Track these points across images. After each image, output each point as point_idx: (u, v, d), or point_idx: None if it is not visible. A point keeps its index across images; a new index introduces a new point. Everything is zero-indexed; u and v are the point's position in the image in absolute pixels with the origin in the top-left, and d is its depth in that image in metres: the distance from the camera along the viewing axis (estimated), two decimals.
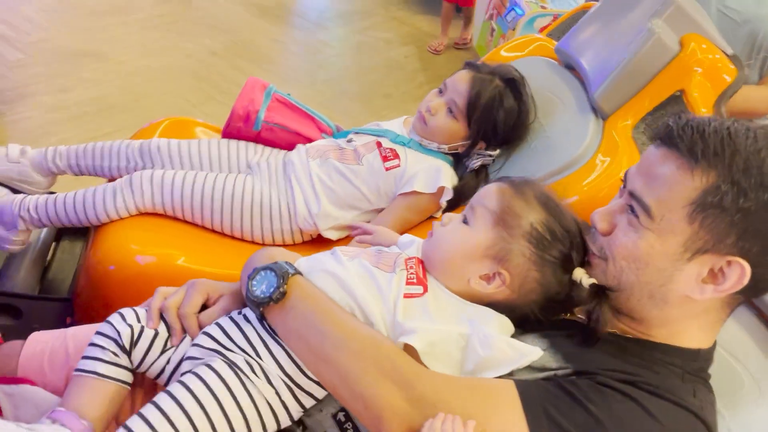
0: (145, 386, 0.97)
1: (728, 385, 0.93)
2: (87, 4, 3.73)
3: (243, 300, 0.92)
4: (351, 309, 0.85)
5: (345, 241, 1.46)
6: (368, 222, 1.42)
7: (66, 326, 1.45)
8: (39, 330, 1.46)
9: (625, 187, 0.84)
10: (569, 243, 0.85)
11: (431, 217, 1.44)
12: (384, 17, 4.40)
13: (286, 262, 0.88)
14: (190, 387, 0.80)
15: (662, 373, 0.78)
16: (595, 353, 0.80)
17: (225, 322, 0.89)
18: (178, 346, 0.92)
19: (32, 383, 0.88)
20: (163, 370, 0.91)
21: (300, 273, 0.88)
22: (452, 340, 0.81)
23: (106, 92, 3.00)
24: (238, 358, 0.84)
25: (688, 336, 0.81)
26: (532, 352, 0.79)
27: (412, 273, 0.88)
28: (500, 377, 0.79)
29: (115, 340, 0.89)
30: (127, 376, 0.91)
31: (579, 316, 0.91)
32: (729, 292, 0.76)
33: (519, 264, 0.84)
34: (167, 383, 0.92)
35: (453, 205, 1.43)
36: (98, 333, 0.91)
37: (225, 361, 0.83)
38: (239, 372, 0.82)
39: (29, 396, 0.87)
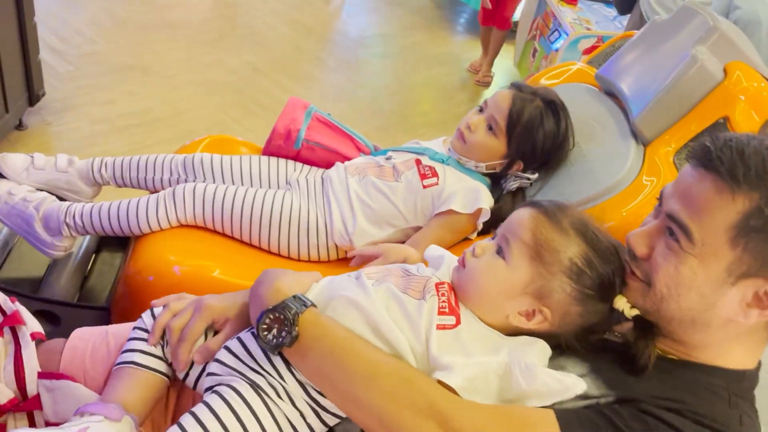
0: (177, 388, 0.98)
1: None
2: (136, 19, 3.84)
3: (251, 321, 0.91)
4: (373, 341, 0.82)
5: None
6: (403, 242, 1.42)
7: None
8: None
9: (660, 206, 0.81)
10: (610, 273, 0.82)
11: (466, 239, 1.43)
12: (424, 36, 4.43)
13: (295, 298, 0.83)
14: (216, 411, 0.79)
15: (707, 398, 0.75)
16: (638, 378, 0.78)
17: (246, 338, 0.87)
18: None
19: (73, 379, 0.89)
20: (189, 372, 0.92)
21: (313, 305, 0.84)
22: (491, 371, 0.78)
23: (151, 105, 3.07)
24: (262, 380, 0.83)
25: (732, 357, 0.79)
26: (576, 384, 0.76)
27: (444, 301, 0.84)
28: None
29: (149, 332, 0.92)
30: (165, 368, 0.92)
31: (616, 334, 0.88)
32: None
33: (560, 300, 0.82)
34: (195, 386, 0.93)
35: (488, 228, 1.42)
36: (135, 327, 0.93)
37: (248, 383, 0.82)
38: (263, 395, 0.81)
39: (70, 392, 0.88)
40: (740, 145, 0.73)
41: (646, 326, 0.80)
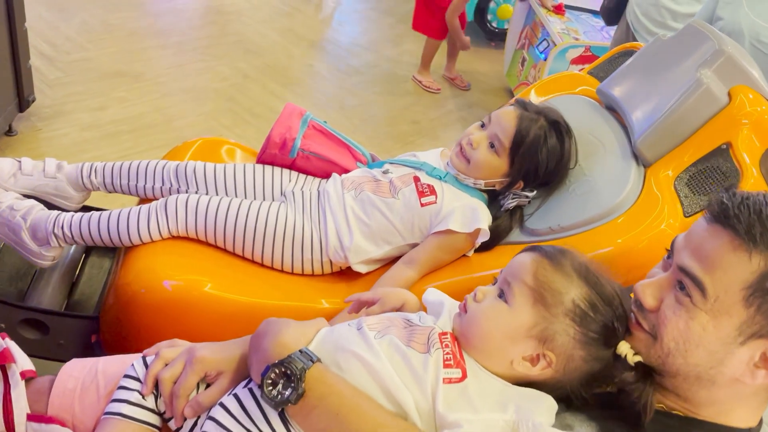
0: None
1: None
2: (127, 25, 3.84)
3: (245, 372, 0.89)
4: (378, 397, 0.80)
5: (375, 274, 1.44)
6: (398, 259, 1.42)
7: (91, 344, 1.47)
8: (64, 346, 1.49)
9: (669, 257, 0.81)
10: (613, 316, 0.82)
11: (463, 256, 1.42)
12: (415, 45, 4.45)
13: (302, 352, 0.81)
14: None
15: None
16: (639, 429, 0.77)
17: (244, 396, 0.84)
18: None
19: (63, 424, 0.88)
20: (182, 426, 0.90)
21: (319, 360, 0.82)
22: (498, 429, 0.77)
23: (141, 112, 3.06)
24: None
25: (736, 415, 0.79)
26: None
27: (448, 354, 0.83)
28: None
29: (140, 381, 0.90)
30: (154, 419, 0.90)
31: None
32: None
33: (563, 343, 0.81)
34: None
35: (485, 246, 1.41)
36: (126, 375, 0.91)
37: None
38: None
39: None
40: (758, 204, 0.73)
41: (647, 372, 0.79)
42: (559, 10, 3.79)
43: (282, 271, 1.45)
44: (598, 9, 3.32)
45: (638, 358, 0.79)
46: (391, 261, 1.45)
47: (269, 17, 4.48)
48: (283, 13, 4.61)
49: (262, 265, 1.45)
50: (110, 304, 1.41)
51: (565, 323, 0.81)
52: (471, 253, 1.41)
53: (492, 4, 4.78)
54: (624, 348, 0.80)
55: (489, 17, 4.83)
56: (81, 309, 1.61)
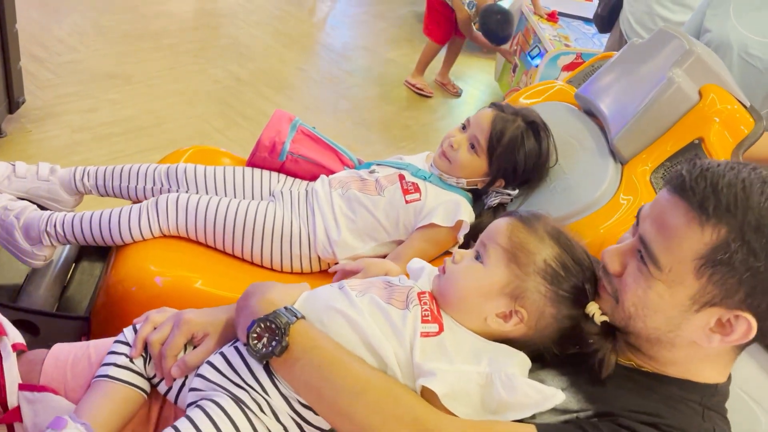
0: (159, 401, 0.98)
1: (747, 425, 0.94)
2: (119, 27, 3.83)
3: (231, 335, 0.92)
4: (361, 351, 0.83)
5: None
6: (385, 256, 1.44)
7: None
8: None
9: (637, 225, 0.84)
10: (583, 277, 0.86)
11: (447, 252, 1.45)
12: (407, 50, 4.47)
13: (286, 309, 0.85)
14: (198, 425, 0.80)
15: (683, 411, 0.78)
16: (616, 391, 0.80)
17: (230, 352, 0.87)
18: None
19: (55, 392, 0.89)
20: (171, 386, 0.93)
21: (303, 317, 0.85)
22: (472, 380, 0.80)
23: (133, 114, 3.06)
24: (245, 395, 0.83)
25: (702, 373, 0.82)
26: (554, 395, 0.78)
27: (426, 310, 0.87)
28: (522, 420, 0.78)
29: (131, 346, 0.93)
30: (142, 382, 0.92)
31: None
32: (735, 344, 0.77)
33: (535, 301, 0.85)
34: (176, 400, 0.93)
35: (469, 242, 1.43)
36: (116, 341, 0.94)
37: (231, 398, 0.83)
38: (246, 410, 0.82)
39: (51, 404, 0.88)
40: (715, 176, 0.74)
41: (611, 330, 0.83)
42: (552, 17, 3.82)
43: (272, 268, 1.47)
44: (590, 16, 3.36)
45: (605, 318, 0.83)
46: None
47: (262, 21, 4.49)
48: (276, 17, 4.62)
49: (252, 262, 1.47)
50: (101, 304, 1.43)
51: (537, 281, 0.85)
52: (455, 249, 1.43)
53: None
54: (593, 308, 0.84)
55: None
56: (72, 311, 1.61)
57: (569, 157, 1.46)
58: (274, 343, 0.81)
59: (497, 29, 3.63)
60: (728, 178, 0.74)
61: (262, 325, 0.82)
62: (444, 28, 3.90)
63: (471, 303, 0.87)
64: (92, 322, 1.47)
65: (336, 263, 1.45)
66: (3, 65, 2.47)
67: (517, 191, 1.46)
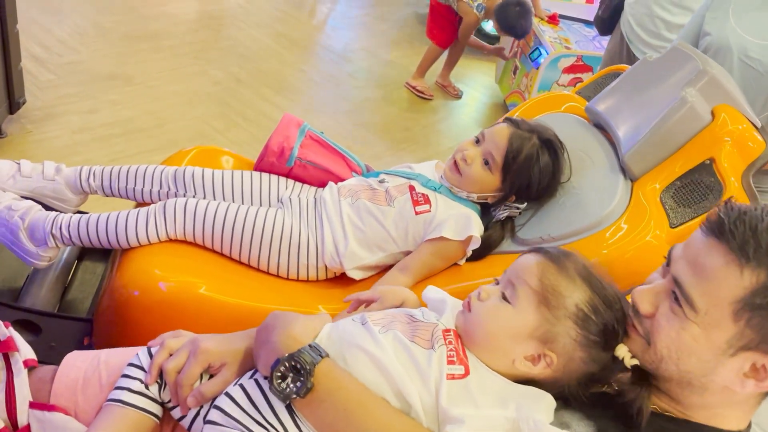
0: (171, 426, 0.96)
1: None
2: (120, 29, 3.83)
3: (249, 364, 0.90)
4: (385, 391, 0.82)
5: (369, 281, 1.46)
6: (392, 266, 1.44)
7: (83, 346, 1.46)
8: (56, 348, 1.47)
9: (668, 265, 0.83)
10: (613, 320, 0.84)
11: (455, 264, 1.44)
12: (408, 52, 4.47)
13: (311, 347, 0.83)
14: None
15: None
16: None
17: (250, 387, 0.85)
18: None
19: (65, 412, 0.89)
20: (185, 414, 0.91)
21: (327, 355, 0.83)
22: (498, 426, 0.78)
23: (133, 115, 3.05)
24: None
25: (728, 419, 0.81)
26: None
27: (451, 350, 0.85)
28: None
29: (145, 371, 0.91)
30: (155, 408, 0.91)
31: (615, 387, 0.90)
32: None
33: (565, 345, 0.83)
34: (190, 427, 0.92)
35: (477, 255, 1.43)
36: (130, 364, 0.92)
37: None
38: None
39: (61, 425, 0.88)
40: (754, 220, 0.74)
41: (643, 376, 0.82)
42: (553, 20, 3.83)
43: (278, 275, 1.46)
44: (590, 19, 3.36)
45: (635, 362, 0.82)
46: (385, 268, 1.47)
47: (263, 22, 4.48)
48: (277, 19, 4.61)
49: (258, 269, 1.46)
50: (105, 306, 1.42)
51: (567, 325, 0.83)
52: (463, 262, 1.44)
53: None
54: (622, 351, 0.83)
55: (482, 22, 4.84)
56: (73, 312, 1.61)
57: (579, 172, 1.46)
58: (299, 384, 0.79)
59: (516, 22, 3.59)
60: (767, 222, 0.74)
61: (287, 365, 0.80)
62: (447, 32, 3.90)
63: (499, 345, 0.85)
64: (95, 325, 1.46)
65: (342, 273, 1.46)
66: (4, 66, 2.46)
67: (525, 204, 1.45)
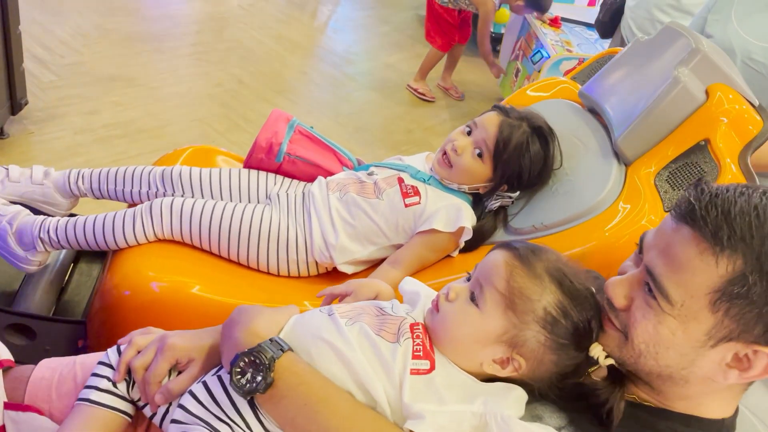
0: (144, 424, 0.95)
1: None
2: (122, 30, 3.84)
3: (217, 360, 0.88)
4: (349, 386, 0.80)
5: (360, 275, 1.45)
6: (383, 259, 1.42)
7: (78, 349, 1.47)
8: (51, 351, 1.48)
9: (640, 252, 0.79)
10: (586, 322, 0.80)
11: (447, 256, 1.43)
12: (410, 54, 4.46)
13: (272, 341, 0.81)
14: None
15: None
16: (617, 430, 0.76)
17: (212, 383, 0.84)
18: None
19: (40, 412, 0.88)
20: (156, 411, 0.90)
21: (290, 349, 0.81)
22: (465, 421, 0.76)
23: (135, 116, 3.06)
24: (227, 430, 0.80)
25: (710, 408, 0.78)
26: None
27: (418, 345, 0.82)
28: None
29: (114, 369, 0.90)
30: (125, 406, 0.90)
31: (593, 378, 0.86)
32: (755, 379, 0.73)
33: (534, 349, 0.80)
34: (161, 424, 0.90)
35: (470, 246, 1.41)
36: (99, 363, 0.91)
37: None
38: None
39: (35, 425, 0.87)
40: (726, 203, 0.70)
41: (618, 376, 0.79)
42: (555, 22, 3.82)
43: (268, 273, 1.45)
44: (592, 21, 3.35)
45: (610, 361, 0.79)
46: (376, 262, 1.46)
47: (264, 24, 4.49)
48: (279, 20, 4.62)
49: (248, 267, 1.45)
50: (97, 308, 1.41)
51: (536, 330, 0.80)
52: (455, 254, 1.42)
53: None
54: (596, 350, 0.80)
55: None
56: (69, 315, 1.61)
57: (572, 158, 1.43)
58: (258, 379, 0.77)
59: None
60: (740, 204, 0.69)
61: (246, 360, 0.78)
62: (448, 35, 3.88)
63: (465, 348, 0.82)
64: (88, 327, 1.46)
65: (334, 267, 1.44)
66: (6, 67, 2.47)
67: (518, 193, 1.42)
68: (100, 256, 1.73)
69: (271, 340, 0.81)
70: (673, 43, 1.38)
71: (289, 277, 1.46)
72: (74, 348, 1.49)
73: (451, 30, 3.86)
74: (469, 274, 0.89)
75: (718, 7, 1.89)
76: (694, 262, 0.70)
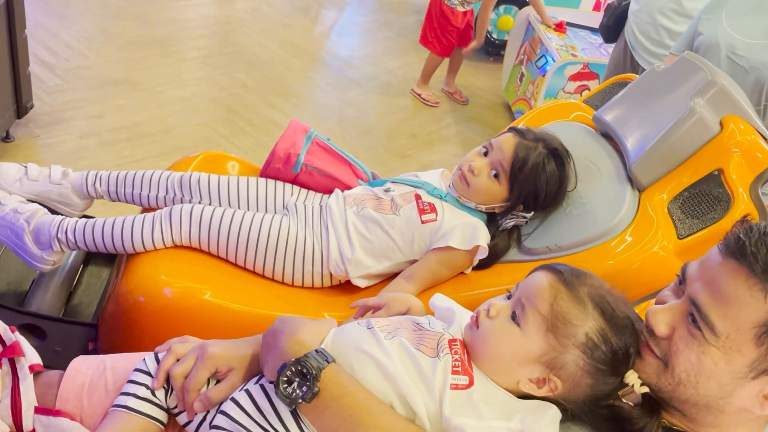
0: (177, 430, 0.96)
1: None
2: (127, 34, 3.85)
3: (256, 369, 0.90)
4: (391, 398, 0.81)
5: (374, 288, 1.46)
6: (397, 274, 1.43)
7: (88, 351, 1.46)
8: (61, 353, 1.47)
9: (682, 283, 0.81)
10: (624, 348, 0.81)
11: (461, 273, 1.44)
12: (414, 58, 4.47)
13: (317, 352, 0.83)
14: None
15: None
16: None
17: (256, 392, 0.85)
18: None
19: (71, 417, 0.89)
20: (191, 419, 0.91)
21: (333, 360, 0.83)
22: None
23: (139, 120, 3.07)
24: None
25: None
26: None
27: (457, 360, 0.84)
28: None
29: (152, 376, 0.91)
30: (160, 414, 0.91)
31: (623, 400, 0.88)
32: None
33: (571, 372, 0.82)
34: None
35: (483, 264, 1.43)
36: (136, 369, 0.92)
37: None
38: None
39: (66, 430, 0.87)
40: None
41: (653, 404, 0.80)
42: (560, 27, 3.83)
43: (282, 282, 1.46)
44: (596, 26, 3.36)
45: (645, 389, 0.80)
46: (390, 277, 1.47)
47: (269, 28, 4.50)
48: (283, 25, 4.63)
49: (263, 275, 1.46)
50: (110, 312, 1.42)
51: (575, 354, 0.81)
52: (469, 271, 1.44)
53: (492, 16, 4.81)
54: (632, 378, 0.81)
55: (489, 28, 4.86)
56: (78, 317, 1.61)
57: (586, 182, 1.45)
58: (305, 389, 0.79)
59: None
60: None
61: (293, 369, 0.80)
62: (448, 40, 3.88)
63: (503, 365, 0.84)
64: (100, 330, 1.46)
65: (347, 280, 1.45)
66: (12, 70, 2.48)
67: (532, 213, 1.44)
68: (110, 258, 1.74)
69: (317, 350, 0.83)
70: (689, 74, 1.41)
71: (302, 287, 1.47)
72: (84, 350, 1.48)
73: (453, 33, 3.86)
74: (509, 291, 0.90)
75: (710, 8, 2.01)
76: (742, 296, 0.72)
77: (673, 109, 1.35)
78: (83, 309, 1.64)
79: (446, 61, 4.06)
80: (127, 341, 1.37)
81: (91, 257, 1.75)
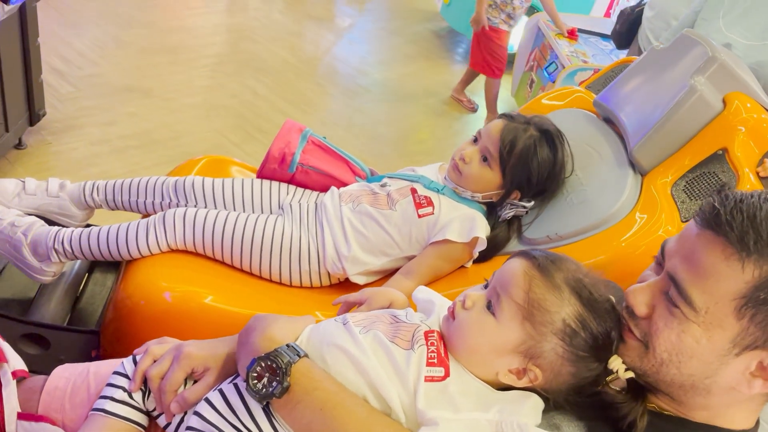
0: None
1: None
2: (138, 42, 3.88)
3: (233, 369, 0.88)
4: (364, 392, 0.80)
5: (373, 285, 1.44)
6: (396, 270, 1.42)
7: (91, 359, 1.47)
8: (65, 361, 1.48)
9: (662, 261, 0.77)
10: (605, 333, 0.78)
11: (461, 267, 1.42)
12: (423, 65, 4.47)
13: (288, 347, 0.81)
14: None
15: None
16: None
17: (229, 391, 0.84)
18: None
19: (52, 422, 0.88)
20: (170, 421, 0.90)
21: (305, 355, 0.81)
22: (480, 429, 0.75)
23: (150, 128, 3.08)
24: None
25: (731, 419, 0.76)
26: None
27: (432, 351, 0.82)
28: None
29: (129, 379, 0.90)
30: (139, 417, 0.89)
31: (610, 386, 0.85)
32: None
33: (551, 361, 0.79)
34: None
35: (483, 257, 1.40)
36: (115, 372, 0.91)
37: None
38: None
39: None
40: (752, 208, 0.69)
41: (639, 389, 0.78)
42: (572, 34, 3.80)
43: (281, 283, 1.45)
44: (606, 32, 3.34)
45: (630, 374, 0.77)
46: (389, 273, 1.45)
47: (280, 36, 4.52)
48: (294, 32, 4.65)
49: (261, 277, 1.45)
50: (110, 318, 1.42)
51: (554, 342, 0.78)
52: (469, 264, 1.41)
53: None
54: (616, 363, 0.78)
55: None
56: (83, 325, 1.61)
57: (587, 168, 1.41)
58: (274, 384, 0.77)
59: None
60: (766, 209, 0.69)
61: (263, 364, 0.79)
62: (499, 61, 3.81)
63: (480, 357, 0.81)
64: (101, 336, 1.46)
65: (346, 278, 1.44)
66: (25, 78, 2.51)
67: (532, 203, 1.42)
68: (115, 266, 1.74)
69: (287, 345, 0.82)
70: (689, 52, 1.37)
71: (301, 287, 1.46)
72: (88, 358, 1.49)
73: (501, 52, 3.80)
74: (486, 281, 0.87)
75: (707, 9, 2.02)
76: (719, 267, 0.69)
77: (673, 89, 1.30)
78: (88, 317, 1.64)
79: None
80: (128, 347, 1.36)
81: (96, 265, 1.75)
